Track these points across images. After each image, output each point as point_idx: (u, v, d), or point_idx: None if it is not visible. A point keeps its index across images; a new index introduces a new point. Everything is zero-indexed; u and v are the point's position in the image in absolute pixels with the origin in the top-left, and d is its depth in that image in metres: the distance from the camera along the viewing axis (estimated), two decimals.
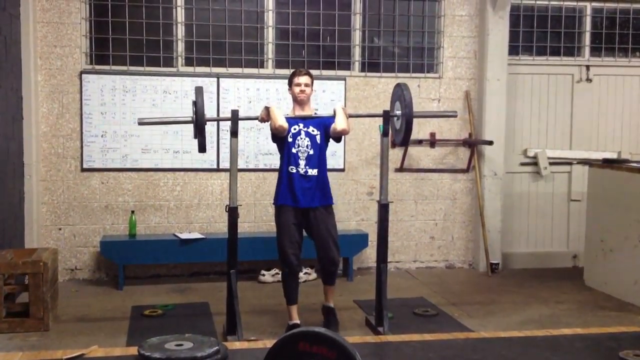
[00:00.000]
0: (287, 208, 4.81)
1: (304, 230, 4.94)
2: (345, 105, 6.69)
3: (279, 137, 4.83)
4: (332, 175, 6.72)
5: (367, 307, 5.35)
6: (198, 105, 4.42)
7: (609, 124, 7.30)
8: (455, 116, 5.71)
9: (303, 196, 4.78)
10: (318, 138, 4.85)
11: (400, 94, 4.79)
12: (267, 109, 4.81)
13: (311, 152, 4.81)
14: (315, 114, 5.08)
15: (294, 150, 4.80)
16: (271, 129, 4.85)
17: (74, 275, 6.43)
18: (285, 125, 4.71)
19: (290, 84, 4.94)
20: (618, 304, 5.77)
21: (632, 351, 2.60)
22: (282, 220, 4.84)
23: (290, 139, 4.80)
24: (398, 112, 4.81)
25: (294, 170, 4.79)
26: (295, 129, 4.82)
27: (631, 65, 7.30)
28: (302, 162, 4.79)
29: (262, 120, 4.84)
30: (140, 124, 4.84)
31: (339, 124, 4.76)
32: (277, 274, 6.26)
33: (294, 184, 4.78)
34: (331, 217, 4.94)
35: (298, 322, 4.85)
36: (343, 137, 5.10)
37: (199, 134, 4.46)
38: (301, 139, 4.81)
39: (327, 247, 4.84)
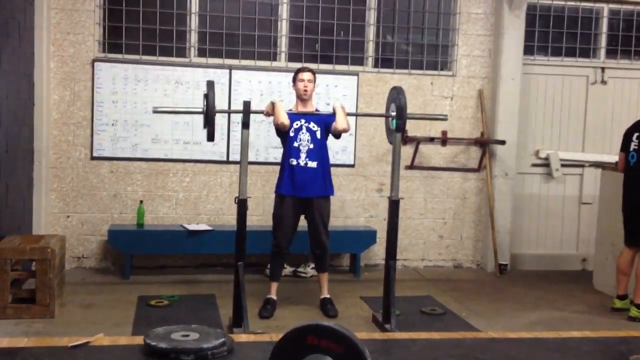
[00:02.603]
0: (288, 197, 5.15)
1: (303, 217, 5.26)
2: (358, 100, 6.68)
3: (282, 132, 5.15)
4: (342, 171, 6.73)
5: (374, 304, 5.33)
6: (209, 99, 4.54)
7: (622, 126, 7.15)
8: (446, 119, 5.72)
9: (302, 187, 5.12)
10: (318, 133, 5.16)
11: (396, 96, 4.90)
12: (272, 103, 5.07)
13: (311, 146, 5.13)
14: (317, 110, 5.35)
15: (295, 144, 5.13)
16: (274, 124, 5.13)
17: (81, 263, 6.44)
18: (287, 122, 5.03)
19: (294, 80, 5.23)
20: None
21: None
22: (281, 207, 5.18)
23: (292, 134, 5.13)
24: (393, 113, 4.93)
25: (295, 163, 5.12)
26: (297, 125, 5.14)
27: None
28: (302, 155, 5.12)
29: (267, 114, 5.12)
30: (155, 111, 4.98)
31: (340, 123, 5.05)
32: (284, 268, 6.24)
33: (295, 175, 5.13)
34: (327, 206, 5.28)
35: (275, 297, 5.26)
36: (343, 133, 5.31)
37: (209, 124, 4.60)
38: (302, 133, 5.14)
39: (317, 231, 5.20)
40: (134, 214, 6.37)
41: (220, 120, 6.44)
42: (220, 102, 6.42)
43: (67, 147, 6.34)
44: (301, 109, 5.20)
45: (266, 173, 6.58)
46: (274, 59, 6.65)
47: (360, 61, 6.81)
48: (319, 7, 6.66)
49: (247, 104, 4.68)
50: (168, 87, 6.42)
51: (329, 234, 5.29)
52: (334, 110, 5.09)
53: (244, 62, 6.57)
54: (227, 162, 6.55)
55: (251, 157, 6.15)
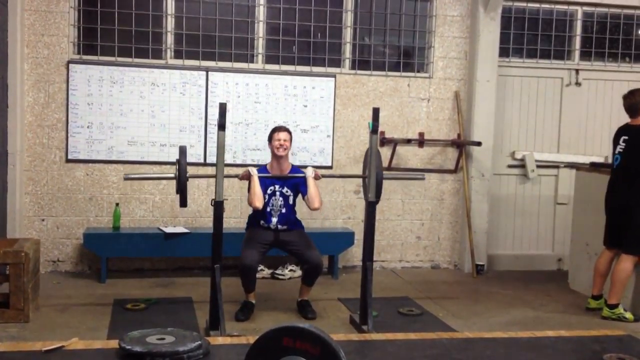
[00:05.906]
0: (260, 227, 5.20)
1: (279, 250, 5.33)
2: (335, 102, 6.69)
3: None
4: (320, 173, 6.70)
5: (352, 305, 5.33)
6: (181, 165, 4.54)
7: (596, 128, 7.32)
8: (423, 179, 5.89)
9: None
10: (291, 199, 5.24)
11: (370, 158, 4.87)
12: (250, 174, 5.05)
13: (283, 210, 5.20)
14: (292, 166, 5.32)
15: (267, 209, 5.16)
16: (247, 202, 5.13)
17: (56, 267, 6.37)
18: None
19: (270, 139, 5.23)
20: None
21: (616, 354, 2.60)
22: (252, 233, 5.21)
23: (265, 199, 5.13)
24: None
25: (265, 225, 5.19)
26: (270, 190, 5.19)
27: (620, 70, 7.33)
28: (274, 220, 5.19)
29: (242, 178, 5.13)
30: (126, 179, 5.05)
31: (312, 202, 5.10)
32: (262, 270, 6.24)
33: (264, 231, 5.21)
34: (302, 232, 5.31)
35: (253, 301, 5.22)
36: None
37: (181, 190, 4.60)
38: (275, 199, 5.20)
39: (311, 254, 5.14)
40: (110, 217, 6.32)
41: (197, 122, 6.44)
42: (198, 104, 6.43)
43: (41, 149, 6.28)
44: (276, 167, 5.19)
45: None
46: (251, 61, 6.63)
47: (337, 63, 6.82)
48: (296, 9, 6.66)
49: (223, 106, 4.66)
50: (144, 89, 6.37)
51: (317, 251, 5.17)
52: (305, 179, 5.10)
53: (221, 64, 6.54)
54: (204, 164, 6.51)
55: (228, 159, 6.16)
